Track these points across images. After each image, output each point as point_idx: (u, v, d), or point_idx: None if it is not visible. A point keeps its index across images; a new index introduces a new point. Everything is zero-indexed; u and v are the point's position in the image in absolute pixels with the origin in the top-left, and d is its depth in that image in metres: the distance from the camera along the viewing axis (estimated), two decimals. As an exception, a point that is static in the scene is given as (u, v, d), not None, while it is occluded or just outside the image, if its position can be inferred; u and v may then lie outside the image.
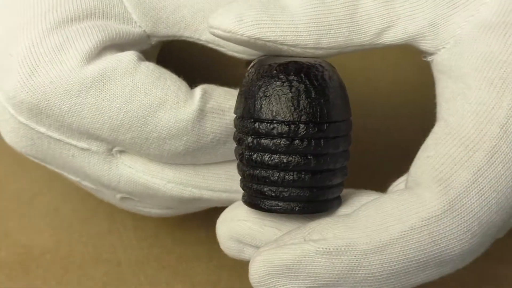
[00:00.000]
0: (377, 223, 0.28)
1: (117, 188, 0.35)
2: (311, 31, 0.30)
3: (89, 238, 0.43)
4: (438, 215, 0.28)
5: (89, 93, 0.32)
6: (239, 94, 0.31)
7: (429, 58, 0.32)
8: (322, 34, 0.30)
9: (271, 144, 0.29)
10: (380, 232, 0.28)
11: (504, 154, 0.28)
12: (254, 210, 0.31)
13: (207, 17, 0.34)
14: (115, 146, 0.34)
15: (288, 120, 0.29)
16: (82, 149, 0.34)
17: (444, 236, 0.28)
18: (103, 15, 0.33)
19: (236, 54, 0.35)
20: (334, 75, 0.31)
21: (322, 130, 0.29)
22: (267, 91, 0.30)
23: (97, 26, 0.33)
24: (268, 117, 0.29)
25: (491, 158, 0.28)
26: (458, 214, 0.28)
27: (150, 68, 0.33)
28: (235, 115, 0.31)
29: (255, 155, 0.30)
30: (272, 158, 0.30)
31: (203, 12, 0.34)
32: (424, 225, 0.28)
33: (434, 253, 0.28)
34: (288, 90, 0.29)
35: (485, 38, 0.30)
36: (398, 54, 0.49)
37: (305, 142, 0.29)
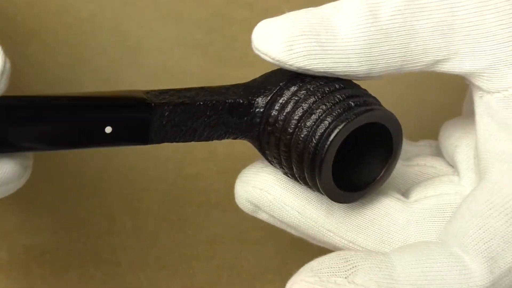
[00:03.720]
0: (420, 282, 0.28)
1: None
2: (362, 61, 0.29)
3: (89, 238, 0.43)
4: None
5: None
6: None
7: (479, 94, 0.31)
8: (374, 64, 0.29)
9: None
10: None
11: None
12: (279, 183, 0.31)
13: None
14: None
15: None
16: None
17: None
18: None
19: None
20: None
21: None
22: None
23: None
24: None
25: None
26: None
27: None
28: None
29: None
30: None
31: None
32: None
33: None
34: None
35: None
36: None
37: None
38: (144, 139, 0.29)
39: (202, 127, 0.30)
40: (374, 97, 0.30)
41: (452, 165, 0.33)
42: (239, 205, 0.32)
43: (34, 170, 0.47)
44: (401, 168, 0.33)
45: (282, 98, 0.30)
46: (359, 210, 0.31)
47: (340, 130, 0.28)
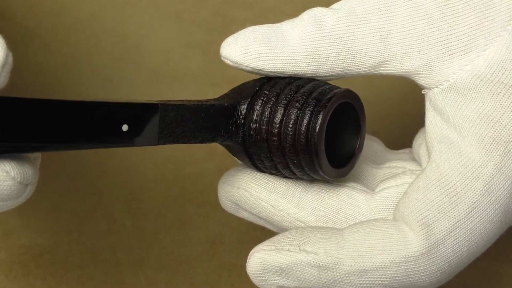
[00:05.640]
0: (363, 249, 0.31)
1: None
2: (309, 62, 0.33)
3: (88, 238, 0.43)
4: (416, 256, 0.31)
5: None
6: None
7: (423, 91, 0.34)
8: (320, 65, 0.33)
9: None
10: (364, 258, 0.31)
11: (482, 209, 0.32)
12: (255, 180, 0.34)
13: None
14: None
15: None
16: None
17: (418, 273, 0.31)
18: None
19: None
20: None
21: None
22: None
23: None
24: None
25: (471, 212, 0.32)
26: (433, 258, 0.31)
27: None
28: None
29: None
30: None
31: None
32: (402, 262, 0.31)
33: (406, 284, 0.32)
34: None
35: (480, 93, 0.32)
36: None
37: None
38: (154, 137, 0.32)
39: (199, 128, 0.33)
40: (327, 82, 0.34)
41: (417, 160, 0.36)
42: (222, 206, 0.36)
43: (34, 170, 0.47)
44: (372, 170, 0.37)
45: (260, 102, 0.34)
46: (327, 201, 0.34)
47: (321, 119, 0.32)
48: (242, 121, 0.34)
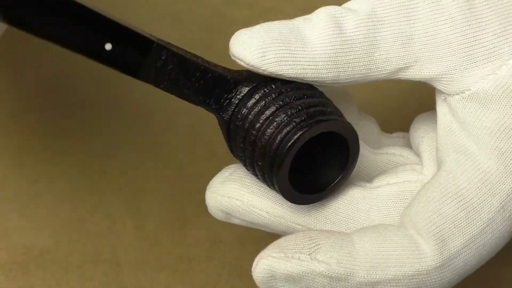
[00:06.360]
0: (376, 261, 0.31)
1: None
2: (329, 69, 0.32)
3: (89, 238, 0.43)
4: (430, 270, 0.31)
5: None
6: None
7: (442, 96, 0.33)
8: (340, 72, 0.32)
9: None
10: (377, 270, 0.31)
11: (496, 226, 0.31)
12: (245, 188, 0.33)
13: None
14: None
15: None
16: None
17: (429, 285, 0.31)
18: None
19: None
20: None
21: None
22: None
23: None
24: None
25: (485, 228, 0.31)
26: (445, 271, 0.31)
27: None
28: None
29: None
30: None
31: None
32: (416, 275, 0.31)
33: None
34: None
35: (502, 104, 0.31)
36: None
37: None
38: (135, 69, 0.32)
39: (188, 84, 0.32)
40: (336, 108, 0.33)
41: (418, 154, 0.36)
42: (212, 215, 0.34)
43: (35, 170, 0.47)
44: (370, 155, 0.36)
45: (258, 95, 0.32)
46: (324, 202, 0.33)
47: (299, 135, 0.31)
48: (237, 101, 0.32)
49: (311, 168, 0.34)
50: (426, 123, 0.36)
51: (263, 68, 0.31)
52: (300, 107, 0.31)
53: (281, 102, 0.32)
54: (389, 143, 0.38)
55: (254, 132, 0.32)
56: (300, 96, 0.32)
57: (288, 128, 0.31)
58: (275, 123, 0.31)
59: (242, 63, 0.32)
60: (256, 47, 0.31)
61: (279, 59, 0.31)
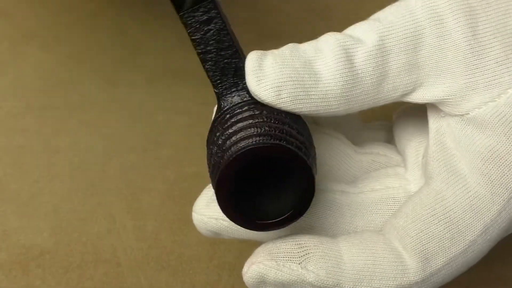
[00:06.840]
0: (363, 273, 0.32)
1: None
2: (340, 103, 0.32)
3: (88, 238, 0.43)
4: (411, 284, 0.33)
5: None
6: None
7: (441, 114, 0.34)
8: (350, 105, 0.33)
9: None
10: (362, 282, 0.32)
11: (477, 247, 0.33)
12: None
13: None
14: None
15: None
16: None
17: None
18: None
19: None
20: None
21: None
22: None
23: None
24: None
25: (467, 248, 0.33)
26: (425, 285, 0.33)
27: None
28: None
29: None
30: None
31: None
32: None
33: None
34: None
35: (497, 132, 0.32)
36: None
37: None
38: (181, 5, 0.33)
39: (213, 51, 0.33)
40: (310, 138, 0.33)
41: (401, 154, 0.37)
42: (202, 233, 0.36)
43: (35, 170, 0.47)
44: (355, 155, 0.37)
45: (254, 106, 0.32)
46: (310, 210, 0.34)
47: (243, 150, 0.30)
48: (243, 92, 0.33)
49: (273, 195, 0.33)
50: (413, 123, 0.37)
51: (279, 106, 0.32)
52: (268, 123, 0.31)
53: (258, 112, 0.32)
54: (371, 136, 0.39)
55: (219, 134, 0.32)
56: (282, 117, 0.32)
57: (239, 144, 0.31)
58: (234, 128, 0.32)
59: (258, 98, 0.32)
60: (271, 86, 0.32)
61: (294, 97, 0.32)
